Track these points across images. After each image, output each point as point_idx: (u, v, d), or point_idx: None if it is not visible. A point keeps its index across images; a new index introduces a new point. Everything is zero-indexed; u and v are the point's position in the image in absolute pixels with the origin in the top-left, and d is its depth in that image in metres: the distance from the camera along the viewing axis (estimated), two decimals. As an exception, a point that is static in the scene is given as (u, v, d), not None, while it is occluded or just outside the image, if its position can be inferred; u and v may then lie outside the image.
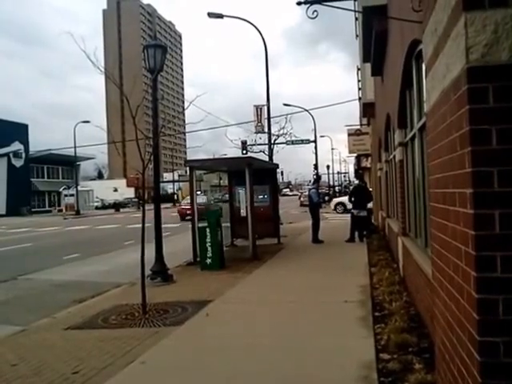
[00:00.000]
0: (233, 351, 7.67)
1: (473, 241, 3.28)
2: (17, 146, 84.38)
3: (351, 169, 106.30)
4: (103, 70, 11.36)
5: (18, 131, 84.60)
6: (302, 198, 65.81)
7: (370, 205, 24.48)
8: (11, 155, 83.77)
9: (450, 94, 3.69)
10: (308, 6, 8.31)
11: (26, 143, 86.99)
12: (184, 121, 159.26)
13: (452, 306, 4.02)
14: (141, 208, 11.59)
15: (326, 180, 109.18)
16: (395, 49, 11.95)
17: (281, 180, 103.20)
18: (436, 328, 5.06)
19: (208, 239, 15.57)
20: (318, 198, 23.33)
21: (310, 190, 25.59)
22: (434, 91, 4.42)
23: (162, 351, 7.90)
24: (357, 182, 30.14)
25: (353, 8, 11.45)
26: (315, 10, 8.26)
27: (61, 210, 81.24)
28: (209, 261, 15.59)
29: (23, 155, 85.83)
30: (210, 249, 15.58)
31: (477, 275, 3.25)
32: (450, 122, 3.76)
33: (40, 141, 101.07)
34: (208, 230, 15.63)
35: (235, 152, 41.71)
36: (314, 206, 23.11)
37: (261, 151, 39.85)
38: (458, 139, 3.53)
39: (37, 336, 9.18)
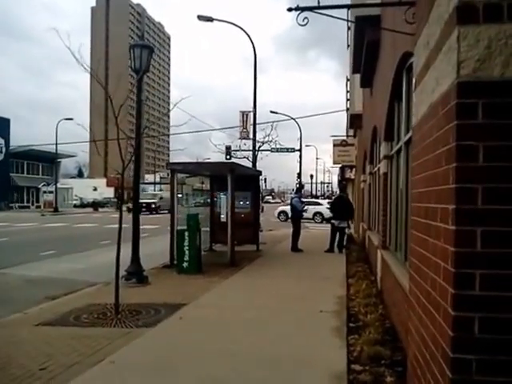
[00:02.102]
0: (204, 356, 7.64)
1: (452, 257, 3.28)
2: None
3: (335, 179, 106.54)
4: (88, 67, 11.31)
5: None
6: (278, 209, 58.61)
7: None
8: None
9: (438, 108, 3.70)
10: (299, 12, 8.29)
11: (6, 138, 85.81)
12: (168, 123, 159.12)
13: (427, 321, 4.03)
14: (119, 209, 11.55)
15: (309, 189, 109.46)
16: (386, 60, 11.99)
17: (264, 187, 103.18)
18: (409, 342, 5.08)
19: (186, 243, 15.53)
20: (300, 206, 23.38)
21: (292, 198, 25.63)
22: (422, 105, 4.43)
23: (133, 352, 7.87)
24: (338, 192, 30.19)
25: (345, 17, 11.46)
26: (306, 17, 8.23)
27: (39, 207, 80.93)
28: (185, 264, 15.54)
29: (3, 150, 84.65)
30: (187, 252, 15.55)
31: (454, 292, 3.26)
32: (436, 137, 3.77)
33: (20, 136, 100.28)
34: (187, 233, 15.60)
35: (219, 157, 41.65)
36: (296, 214, 23.16)
37: (245, 157, 39.87)
38: (443, 154, 3.53)
39: (6, 331, 9.10)
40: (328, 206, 49.41)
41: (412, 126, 5.55)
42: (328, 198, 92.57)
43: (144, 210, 61.20)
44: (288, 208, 52.70)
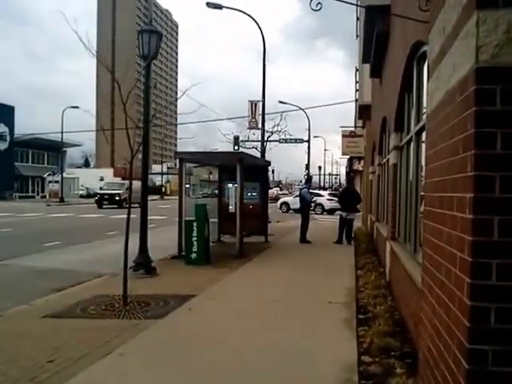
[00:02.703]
0: (213, 347, 7.65)
1: (469, 247, 3.25)
2: (1, 128, 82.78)
3: (343, 171, 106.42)
4: (95, 53, 11.28)
5: (3, 113, 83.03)
6: (280, 200, 57.32)
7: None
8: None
9: (456, 94, 3.66)
10: (312, -4, 8.26)
11: (11, 126, 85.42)
12: (176, 112, 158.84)
13: (441, 311, 4.00)
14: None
15: (317, 181, 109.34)
16: (397, 50, 11.93)
17: (271, 178, 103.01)
18: (422, 333, 5.05)
19: (194, 233, 15.53)
20: (309, 197, 23.38)
21: (301, 189, 25.62)
22: (437, 92, 4.39)
23: (142, 344, 7.87)
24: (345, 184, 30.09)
25: (355, 7, 11.38)
26: (319, 2, 8.21)
27: (44, 197, 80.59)
28: (194, 255, 15.55)
29: (8, 138, 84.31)
30: (195, 243, 15.55)
31: (471, 282, 3.23)
32: (453, 124, 3.73)
33: (24, 124, 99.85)
34: (195, 224, 15.60)
35: (227, 147, 41.59)
36: (305, 205, 23.17)
37: (253, 147, 39.87)
38: (460, 142, 3.50)
39: (13, 323, 9.13)
40: (328, 198, 50.21)
41: (426, 114, 5.50)
42: (335, 189, 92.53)
43: (106, 202, 57.64)
44: (289, 199, 53.11)
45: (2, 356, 7.24)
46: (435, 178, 4.44)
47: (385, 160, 16.74)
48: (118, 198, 57.52)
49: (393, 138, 12.63)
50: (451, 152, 3.76)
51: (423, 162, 7.56)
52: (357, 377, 6.37)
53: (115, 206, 55.01)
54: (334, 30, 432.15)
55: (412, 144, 9.80)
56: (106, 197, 58.25)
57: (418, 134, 8.92)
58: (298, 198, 48.80)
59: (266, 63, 32.04)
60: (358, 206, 24.46)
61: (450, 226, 3.77)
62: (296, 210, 45.29)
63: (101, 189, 65.38)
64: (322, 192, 62.01)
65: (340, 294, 11.38)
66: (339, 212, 23.15)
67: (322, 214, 47.49)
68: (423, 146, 8.07)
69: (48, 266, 16.09)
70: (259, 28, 31.65)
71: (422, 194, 7.53)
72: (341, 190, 29.07)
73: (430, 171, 4.75)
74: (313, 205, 49.94)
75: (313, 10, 8.22)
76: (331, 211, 46.52)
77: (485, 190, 3.18)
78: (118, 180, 76.36)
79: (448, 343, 3.71)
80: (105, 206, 56.54)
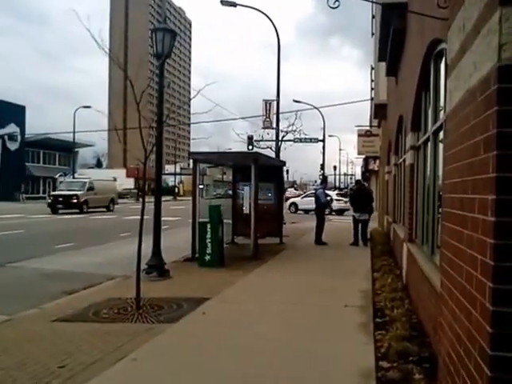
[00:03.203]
0: (228, 352, 7.62)
1: (491, 250, 3.21)
2: (12, 128, 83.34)
3: (358, 171, 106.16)
4: (108, 51, 11.27)
5: (15, 113, 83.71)
6: (289, 201, 54.85)
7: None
8: (6, 138, 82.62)
9: (476, 93, 3.61)
10: (330, -6, 8.22)
11: (22, 126, 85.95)
12: (189, 111, 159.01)
13: (462, 316, 3.96)
14: (139, 200, 11.48)
15: (332, 181, 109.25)
16: (413, 48, 11.87)
17: (286, 179, 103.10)
18: (441, 338, 5.01)
19: (208, 235, 15.50)
20: (325, 198, 23.32)
21: (316, 190, 25.56)
22: (457, 91, 4.35)
23: (155, 349, 7.83)
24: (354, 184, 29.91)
25: (369, 5, 11.35)
26: (337, 0, 8.18)
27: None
28: (208, 257, 15.52)
29: (19, 138, 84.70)
30: (209, 245, 15.53)
31: (493, 286, 3.19)
32: (473, 124, 3.69)
33: (35, 123, 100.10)
34: (209, 225, 15.58)
35: (240, 146, 41.70)
36: (321, 206, 23.10)
37: (268, 147, 39.90)
38: (481, 142, 3.45)
39: (23, 326, 9.09)
40: (336, 198, 50.42)
41: (446, 113, 5.44)
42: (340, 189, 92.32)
43: (61, 206, 47.50)
44: (298, 200, 53.13)
45: (11, 361, 7.20)
46: (455, 179, 4.40)
47: (401, 160, 16.68)
48: (75, 201, 47.37)
49: (409, 138, 12.58)
50: (472, 153, 3.72)
51: (441, 163, 7.50)
52: (374, 382, 6.32)
53: (76, 211, 47.10)
54: (348, 28, 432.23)
55: (429, 144, 9.75)
56: (61, 199, 47.79)
57: (436, 133, 8.87)
58: (306, 199, 49.70)
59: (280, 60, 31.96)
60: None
61: (471, 228, 3.73)
62: (306, 211, 45.88)
63: (55, 189, 58.88)
64: (330, 192, 62.21)
65: (356, 296, 11.33)
66: (352, 213, 23.04)
67: (330, 214, 47.55)
68: (441, 145, 8.01)
69: (59, 269, 16.11)
70: (274, 26, 31.60)
71: (440, 194, 7.48)
72: (351, 190, 29.00)
73: (449, 172, 4.70)
74: (288, 204, 50.38)
75: (331, 7, 8.19)
76: (340, 212, 47.80)
77: (508, 192, 3.13)
78: (83, 177, 63.84)
79: (469, 349, 3.67)
80: (62, 211, 47.27)
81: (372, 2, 10.55)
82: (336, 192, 59.67)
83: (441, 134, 8.10)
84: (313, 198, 26.53)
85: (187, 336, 8.61)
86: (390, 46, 15.71)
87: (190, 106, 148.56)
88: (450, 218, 4.57)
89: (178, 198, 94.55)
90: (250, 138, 41.83)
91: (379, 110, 28.48)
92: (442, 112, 7.90)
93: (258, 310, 10.30)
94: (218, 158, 21.42)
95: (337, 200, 49.75)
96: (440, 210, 7.40)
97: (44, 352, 7.60)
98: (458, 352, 4.06)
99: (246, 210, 20.48)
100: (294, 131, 43.55)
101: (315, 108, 55.19)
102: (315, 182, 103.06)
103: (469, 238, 3.77)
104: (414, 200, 12.18)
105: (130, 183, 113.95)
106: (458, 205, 4.22)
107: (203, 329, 9.00)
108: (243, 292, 12.21)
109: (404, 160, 14.89)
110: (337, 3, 8.21)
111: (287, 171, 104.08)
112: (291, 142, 44.45)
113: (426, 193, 10.38)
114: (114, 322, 9.38)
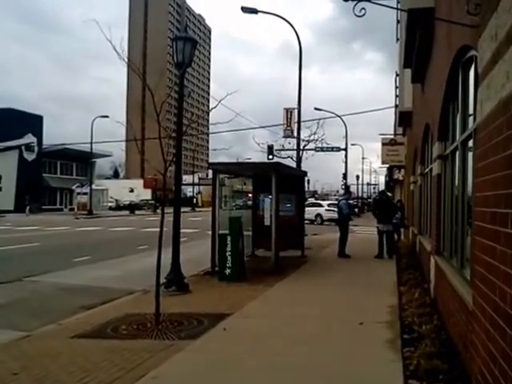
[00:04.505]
0: (251, 370, 7.60)
1: (527, 267, 3.17)
2: (29, 138, 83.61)
3: (382, 180, 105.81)
4: (127, 61, 11.31)
5: (32, 123, 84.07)
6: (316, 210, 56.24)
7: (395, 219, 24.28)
8: (23, 148, 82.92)
9: (510, 104, 3.57)
10: (356, 2, 8.21)
11: (39, 136, 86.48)
12: (208, 120, 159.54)
13: (496, 335, 3.91)
14: (157, 211, 11.49)
15: (355, 191, 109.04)
16: (440, 55, 11.81)
17: (307, 189, 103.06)
18: (474, 357, 4.95)
19: (228, 248, 15.45)
20: (348, 209, 23.21)
21: (339, 201, 25.45)
22: (488, 101, 4.31)
23: (176, 366, 7.83)
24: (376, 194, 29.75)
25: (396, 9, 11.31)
26: (363, 8, 8.17)
27: (72, 209, 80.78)
28: (228, 271, 15.48)
29: (36, 149, 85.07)
30: (229, 258, 15.46)
31: (529, 305, 3.14)
32: (507, 136, 3.65)
33: (51, 133, 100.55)
34: (229, 238, 15.53)
35: (260, 156, 41.69)
36: (344, 218, 22.98)
37: (288, 157, 39.79)
38: (516, 155, 3.42)
39: (41, 343, 9.13)
40: (327, 208, 51.67)
41: (476, 123, 5.40)
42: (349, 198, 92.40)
43: None
44: (312, 210, 53.56)
45: (30, 379, 7.22)
46: (486, 191, 4.35)
47: (427, 169, 16.58)
48: None
49: (436, 147, 12.50)
50: (505, 165, 3.67)
51: (470, 173, 7.44)
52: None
53: None
54: (370, 33, 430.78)
55: (457, 153, 9.66)
56: None
57: (464, 142, 8.80)
58: (320, 209, 51.35)
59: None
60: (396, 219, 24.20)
61: (504, 243, 3.68)
62: (312, 221, 47.08)
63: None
64: (322, 202, 63.65)
65: (382, 312, 11.26)
66: (376, 224, 22.91)
67: (321, 224, 50.84)
68: (470, 155, 7.95)
69: (77, 283, 16.18)
70: (296, 34, 31.34)
71: (470, 205, 7.41)
72: (373, 200, 28.58)
73: (481, 184, 4.65)
74: (313, 215, 51.94)
75: (356, 16, 8.17)
76: (330, 221, 49.23)
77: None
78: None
79: (505, 370, 3.62)
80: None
81: (397, 10, 10.50)
82: (328, 202, 60.70)
83: (470, 143, 8.04)
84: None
85: (209, 353, 8.56)
86: (416, 53, 15.64)
87: (209, 114, 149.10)
88: (482, 232, 4.52)
89: (197, 208, 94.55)
90: (270, 148, 41.76)
91: (404, 118, 28.40)
92: (471, 120, 7.85)
93: (281, 325, 10.25)
94: (238, 169, 21.42)
95: (326, 210, 53.40)
96: (469, 221, 7.34)
97: (63, 369, 7.62)
98: (492, 372, 4.01)
99: (266, 221, 20.42)
100: (316, 140, 43.44)
101: (337, 116, 55.19)
102: (337, 191, 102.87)
103: (502, 254, 3.73)
104: (442, 211, 12.10)
105: (146, 194, 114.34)
106: (489, 219, 4.18)
107: (225, 346, 8.96)
108: (265, 307, 12.17)
109: (431, 170, 14.80)
110: (363, 11, 8.19)
111: (308, 181, 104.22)
112: (313, 152, 44.33)
113: (454, 204, 10.30)
114: (134, 338, 9.38)
